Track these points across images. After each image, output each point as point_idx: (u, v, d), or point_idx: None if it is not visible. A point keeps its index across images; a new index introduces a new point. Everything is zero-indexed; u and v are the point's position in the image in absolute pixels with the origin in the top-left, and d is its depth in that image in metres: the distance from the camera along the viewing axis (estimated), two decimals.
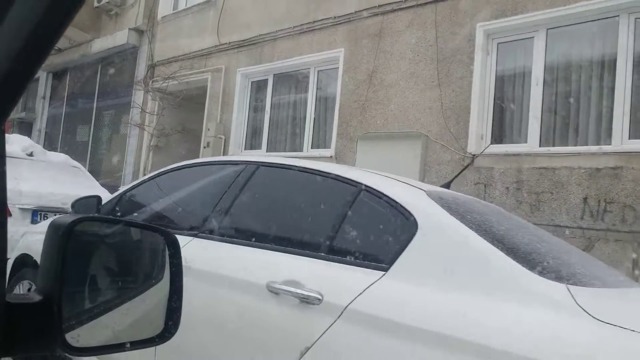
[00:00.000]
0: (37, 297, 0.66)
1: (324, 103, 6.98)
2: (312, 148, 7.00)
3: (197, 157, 7.53)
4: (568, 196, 4.62)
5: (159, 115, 8.92)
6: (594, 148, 4.61)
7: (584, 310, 1.32)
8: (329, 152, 6.59)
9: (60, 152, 10.52)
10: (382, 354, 1.48)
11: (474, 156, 5.25)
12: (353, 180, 1.95)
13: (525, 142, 5.08)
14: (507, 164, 5.04)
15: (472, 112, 5.33)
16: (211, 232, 2.18)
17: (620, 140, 4.52)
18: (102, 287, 0.82)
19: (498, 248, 1.55)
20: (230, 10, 8.31)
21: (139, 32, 10.08)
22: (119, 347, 0.80)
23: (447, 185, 2.55)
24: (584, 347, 1.26)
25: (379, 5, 6.28)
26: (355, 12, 6.53)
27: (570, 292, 1.39)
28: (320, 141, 6.94)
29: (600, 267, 2.00)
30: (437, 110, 5.57)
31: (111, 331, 0.82)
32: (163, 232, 0.91)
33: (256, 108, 7.94)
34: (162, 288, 0.87)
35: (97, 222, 0.88)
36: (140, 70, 9.89)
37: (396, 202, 1.77)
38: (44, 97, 12.52)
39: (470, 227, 1.64)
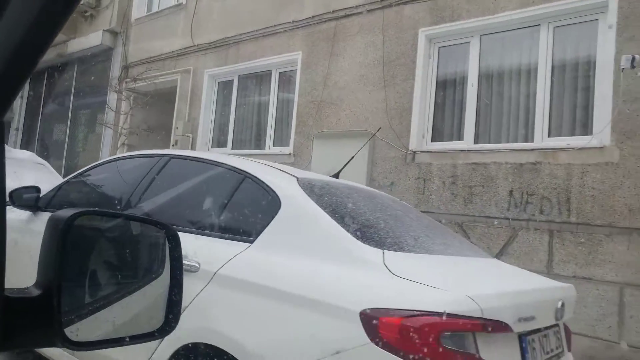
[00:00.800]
0: (36, 292, 0.66)
1: (284, 103, 7.31)
2: (273, 146, 7.33)
3: None
4: (497, 189, 4.99)
5: (127, 114, 9.20)
6: (518, 145, 5.00)
7: (387, 268, 1.67)
8: (287, 149, 6.92)
9: (37, 150, 10.78)
10: (239, 307, 1.83)
11: (414, 153, 5.62)
12: (239, 169, 2.28)
13: (462, 139, 5.45)
14: (445, 160, 5.41)
15: (413, 112, 5.69)
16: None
17: (541, 138, 4.90)
18: (101, 282, 0.82)
19: (339, 224, 1.90)
20: (200, 13, 8.61)
21: (113, 33, 10.34)
22: (118, 342, 0.80)
23: (336, 175, 2.85)
24: (376, 290, 1.61)
25: (333, 11, 6.63)
26: (312, 16, 6.87)
27: (383, 256, 1.74)
28: (281, 139, 7.26)
29: (450, 242, 2.34)
30: (383, 111, 5.92)
31: (111, 325, 0.82)
32: (163, 226, 0.90)
33: (222, 107, 8.25)
34: (162, 282, 0.87)
35: (97, 216, 0.86)
36: (115, 70, 10.15)
37: (268, 186, 2.11)
38: (21, 97, 12.71)
39: (323, 207, 1.98)
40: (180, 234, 2.22)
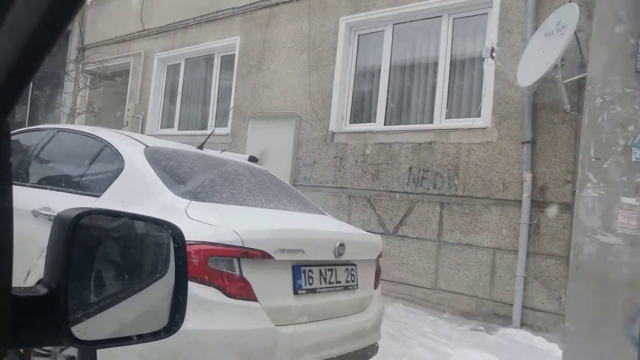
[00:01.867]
0: (43, 290, 0.66)
1: (225, 86, 7.71)
2: (215, 127, 7.74)
3: None
4: (399, 166, 5.50)
5: (81, 96, 9.51)
6: (419, 126, 5.50)
7: (186, 213, 2.14)
8: (226, 130, 7.35)
9: None
10: None
11: (333, 134, 6.10)
12: (101, 138, 2.73)
13: (374, 121, 5.93)
14: (358, 140, 5.89)
15: (334, 95, 6.15)
16: (18, 179, 2.95)
17: (439, 120, 5.41)
18: (107, 281, 0.83)
19: (162, 181, 2.36)
20: None
21: None
22: (125, 340, 0.81)
23: (200, 147, 3.27)
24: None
25: None
26: (249, 4, 7.25)
27: (188, 205, 2.21)
28: (221, 121, 7.68)
29: (277, 201, 2.82)
30: (308, 94, 6.37)
31: (117, 324, 0.82)
32: (169, 225, 0.91)
33: (171, 90, 8.62)
34: (167, 282, 0.87)
35: (102, 215, 0.87)
36: (71, 52, 10.40)
37: (117, 151, 2.57)
38: None
39: (155, 168, 2.44)
40: (48, 192, 2.70)
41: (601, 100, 2.78)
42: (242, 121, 7.14)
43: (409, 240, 5.33)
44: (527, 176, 4.56)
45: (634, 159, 2.69)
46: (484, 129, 4.96)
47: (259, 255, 2.07)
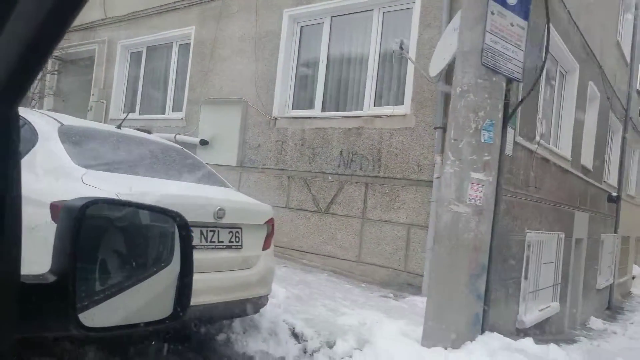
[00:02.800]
0: (51, 278, 0.67)
1: (182, 73, 8.07)
2: (172, 112, 8.12)
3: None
4: (331, 150, 5.94)
5: (42, 80, 9.80)
6: (350, 113, 5.93)
7: (82, 180, 2.56)
8: (181, 115, 7.73)
9: None
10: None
11: (276, 119, 6.52)
12: (24, 117, 3.12)
13: (313, 108, 6.36)
14: (297, 125, 6.32)
15: (277, 83, 6.56)
16: None
17: (368, 107, 5.85)
18: (113, 269, 0.83)
19: (68, 153, 2.77)
20: None
21: None
22: (132, 327, 0.82)
23: (119, 126, 3.65)
24: (64, 192, 2.51)
25: None
26: None
27: (85, 173, 2.63)
28: (178, 106, 8.05)
29: (179, 174, 3.25)
30: (254, 81, 6.77)
31: (124, 312, 0.83)
32: (174, 214, 0.91)
33: (133, 76, 8.95)
34: (172, 270, 0.87)
35: (108, 205, 0.89)
36: None
37: (34, 127, 2.97)
38: None
39: (64, 142, 2.85)
40: None
41: (460, 89, 3.22)
42: (195, 106, 7.52)
43: (338, 218, 5.80)
44: (438, 159, 5.02)
45: (482, 140, 3.15)
46: (404, 115, 5.41)
47: None
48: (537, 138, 5.86)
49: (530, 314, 5.90)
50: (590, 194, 8.96)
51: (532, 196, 5.87)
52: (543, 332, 6.70)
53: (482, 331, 3.31)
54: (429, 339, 3.17)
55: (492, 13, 3.05)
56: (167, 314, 0.86)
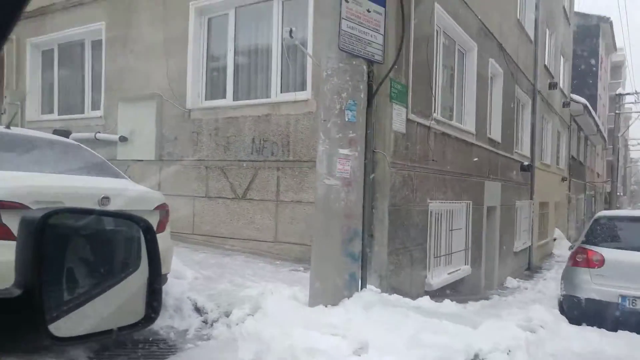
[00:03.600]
0: (16, 292, 0.66)
1: (97, 71, 8.00)
2: (91, 110, 8.05)
3: None
4: (244, 138, 6.18)
5: None
6: (258, 100, 6.18)
7: None
8: (99, 113, 7.70)
9: None
10: None
11: (190, 111, 6.66)
12: None
13: (225, 97, 6.55)
14: (211, 115, 6.50)
15: (188, 75, 6.69)
16: None
17: (275, 94, 6.11)
18: (81, 278, 0.82)
19: None
20: None
21: None
22: (105, 334, 0.81)
23: (8, 126, 3.73)
24: None
25: None
26: None
27: None
28: (96, 104, 7.99)
29: (65, 166, 3.40)
30: (167, 75, 6.86)
31: (96, 319, 0.82)
32: (138, 219, 0.90)
33: (48, 75, 8.76)
34: (140, 274, 0.88)
35: (70, 214, 0.87)
36: None
37: None
38: None
39: None
40: None
41: (325, 73, 3.55)
42: (113, 104, 7.52)
43: (254, 202, 6.06)
44: None
45: (347, 119, 3.49)
46: (306, 101, 5.71)
47: (17, 206, 2.66)
48: (433, 115, 6.34)
49: (437, 277, 6.42)
50: (501, 164, 9.68)
51: (432, 169, 6.36)
52: (457, 292, 7.28)
53: (360, 289, 3.69)
54: (313, 299, 3.51)
55: (347, 1, 3.37)
56: (139, 318, 0.86)
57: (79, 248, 0.86)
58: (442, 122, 6.77)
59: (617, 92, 23.95)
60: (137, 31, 7.24)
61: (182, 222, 6.35)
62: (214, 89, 6.74)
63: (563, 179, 17.46)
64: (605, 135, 29.44)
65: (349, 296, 3.49)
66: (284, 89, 6.10)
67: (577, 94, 23.80)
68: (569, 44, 18.39)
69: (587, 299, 5.13)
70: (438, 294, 6.35)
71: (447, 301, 5.46)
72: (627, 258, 5.05)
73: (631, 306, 4.88)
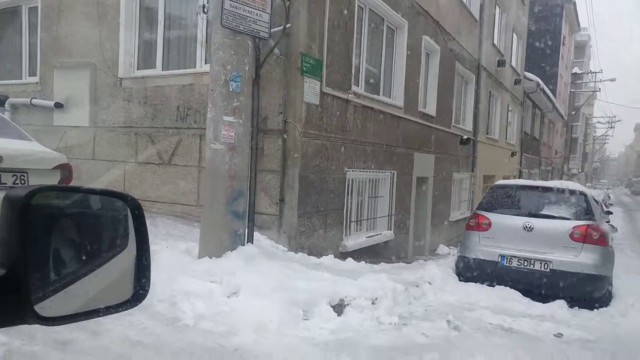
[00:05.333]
0: (0, 271, 0.66)
1: (34, 37, 8.08)
2: (28, 76, 8.17)
3: None
4: (170, 106, 6.47)
5: None
6: (185, 70, 6.45)
7: None
8: (35, 79, 7.84)
9: None
10: None
11: (121, 80, 6.89)
12: None
13: (155, 67, 6.79)
14: (141, 84, 6.74)
15: (121, 45, 6.88)
16: None
17: (200, 65, 6.39)
18: (67, 257, 0.81)
19: None
20: None
21: None
22: (92, 314, 0.81)
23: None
24: None
25: None
26: None
27: None
28: (33, 70, 8.10)
29: None
30: (99, 44, 7.03)
31: (83, 299, 0.81)
32: (124, 196, 0.89)
33: None
34: (129, 252, 0.86)
35: (55, 192, 0.85)
36: None
37: None
38: None
39: None
40: None
41: (213, 47, 3.88)
42: (49, 70, 7.66)
43: (179, 168, 6.41)
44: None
45: (231, 90, 3.85)
46: None
47: None
48: (353, 88, 6.73)
49: (354, 240, 6.94)
50: (435, 137, 10.19)
51: (351, 140, 6.79)
52: (377, 255, 7.84)
53: (246, 243, 4.13)
54: (201, 253, 3.94)
55: None
56: (128, 297, 0.86)
57: (66, 227, 0.85)
58: (365, 96, 7.17)
59: (573, 72, 24.70)
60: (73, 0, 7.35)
61: (114, 186, 6.67)
62: (145, 59, 6.96)
63: (513, 154, 18.22)
64: (563, 113, 30.36)
65: (233, 249, 3.92)
66: (207, 60, 6.37)
67: (538, 72, 24.54)
68: (523, 23, 18.85)
69: (474, 259, 5.72)
70: (355, 255, 6.88)
71: (349, 259, 6.00)
72: (508, 222, 5.62)
73: (507, 264, 5.48)
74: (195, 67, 6.43)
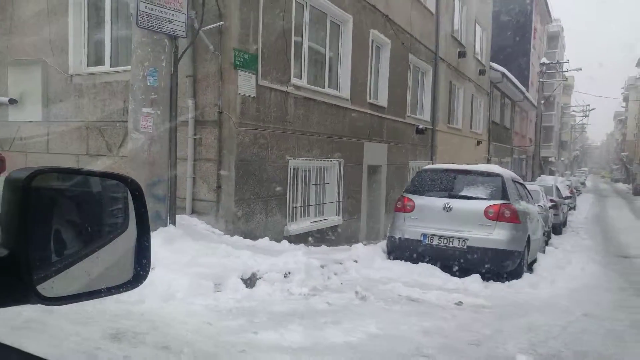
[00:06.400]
0: (2, 252, 0.67)
1: None
2: None
3: None
4: (117, 101, 6.79)
5: None
6: (120, 68, 6.75)
7: None
8: None
9: None
10: None
11: (72, 76, 7.20)
12: None
13: (104, 64, 7.10)
14: (90, 80, 7.05)
15: (70, 42, 7.18)
16: None
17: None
18: (68, 238, 0.82)
19: None
20: None
21: None
22: (94, 294, 0.82)
23: None
24: None
25: None
26: None
27: None
28: None
29: None
30: (49, 41, 7.32)
31: (84, 280, 0.82)
32: (124, 178, 0.90)
33: None
34: (129, 234, 0.88)
35: (56, 174, 0.84)
36: None
37: None
38: None
39: None
40: None
41: (133, 46, 4.23)
42: (3, 68, 7.92)
43: (126, 159, 6.74)
44: (190, 102, 6.06)
45: (149, 84, 4.21)
46: None
47: None
48: (293, 81, 7.10)
49: (297, 225, 7.35)
50: (388, 127, 10.61)
51: (292, 130, 7.17)
52: (325, 240, 8.26)
53: (168, 225, 4.51)
54: None
55: None
56: (129, 278, 0.87)
57: (67, 208, 0.86)
58: (307, 88, 7.55)
59: (541, 62, 25.31)
60: None
61: None
62: (94, 56, 7.27)
63: (479, 142, 18.76)
64: (536, 102, 31.01)
65: (154, 230, 4.29)
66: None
67: (509, 63, 25.10)
68: (487, 14, 19.33)
69: (400, 238, 6.16)
70: (302, 240, 7.30)
71: (284, 242, 6.42)
72: (430, 203, 6.07)
73: (429, 242, 5.93)
74: None
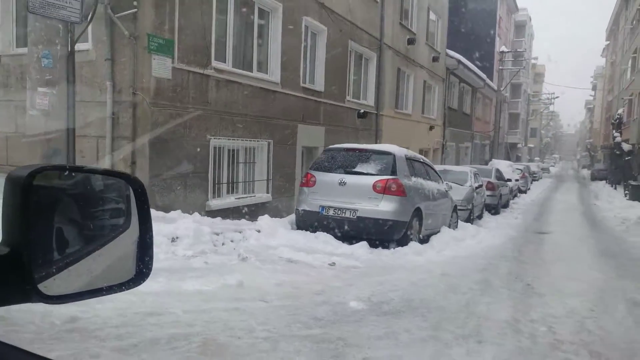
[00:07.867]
0: (4, 250, 0.67)
1: None
2: None
3: None
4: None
5: None
6: None
7: None
8: None
9: None
10: None
11: (0, 57, 7.53)
12: None
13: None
14: (18, 61, 7.40)
15: None
16: None
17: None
18: (70, 237, 0.82)
19: None
20: None
21: None
22: (95, 293, 0.81)
23: None
24: None
25: None
26: None
27: None
28: None
29: None
30: None
31: (86, 278, 0.82)
32: (126, 176, 0.90)
33: None
34: (131, 233, 0.87)
35: (57, 172, 0.84)
36: None
37: None
38: None
39: None
40: None
41: (29, 29, 4.64)
42: None
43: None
44: (108, 84, 6.48)
45: (43, 65, 4.64)
46: (87, 51, 6.75)
47: None
48: (213, 64, 7.55)
49: (220, 201, 7.87)
50: (325, 111, 11.13)
51: (214, 110, 7.64)
52: (255, 216, 8.77)
53: None
54: None
55: None
56: (131, 276, 0.86)
57: (69, 206, 0.85)
58: (230, 71, 8.00)
59: (500, 50, 26.01)
60: None
61: None
62: (23, 37, 7.59)
63: (431, 128, 19.43)
64: (495, 86, 31.78)
65: None
66: (82, 39, 7.06)
67: (475, 51, 25.75)
68: (443, 2, 19.84)
69: (303, 210, 6.74)
70: (224, 214, 7.82)
71: (196, 214, 6.93)
72: (328, 178, 6.65)
73: (326, 213, 6.53)
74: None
